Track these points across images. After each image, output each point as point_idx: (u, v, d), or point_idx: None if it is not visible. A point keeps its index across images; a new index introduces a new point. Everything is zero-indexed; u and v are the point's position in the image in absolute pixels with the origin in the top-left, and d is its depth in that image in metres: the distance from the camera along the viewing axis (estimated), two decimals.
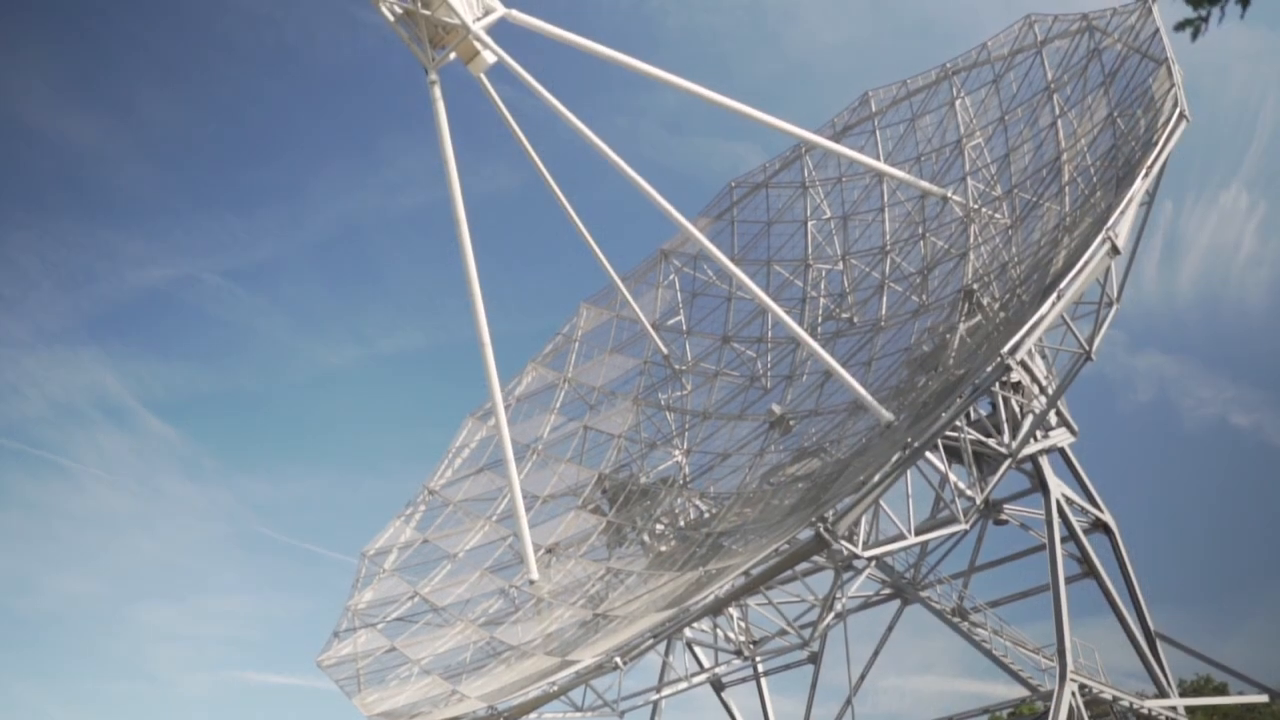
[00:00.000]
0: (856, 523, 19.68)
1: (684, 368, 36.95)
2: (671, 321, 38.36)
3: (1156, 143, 20.13)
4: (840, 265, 35.00)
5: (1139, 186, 19.83)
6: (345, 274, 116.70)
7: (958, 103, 32.79)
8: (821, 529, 18.42)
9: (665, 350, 36.85)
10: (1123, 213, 19.38)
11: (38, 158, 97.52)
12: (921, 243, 32.09)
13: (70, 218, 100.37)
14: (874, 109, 35.99)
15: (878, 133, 35.37)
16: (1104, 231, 18.89)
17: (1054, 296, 18.75)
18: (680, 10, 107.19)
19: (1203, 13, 3.58)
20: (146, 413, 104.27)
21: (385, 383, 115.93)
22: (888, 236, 33.58)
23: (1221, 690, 41.34)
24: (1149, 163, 19.89)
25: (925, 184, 31.18)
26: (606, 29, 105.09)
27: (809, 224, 36.39)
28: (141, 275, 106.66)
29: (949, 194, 30.77)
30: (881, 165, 31.66)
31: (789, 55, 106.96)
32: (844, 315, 33.78)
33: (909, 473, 20.32)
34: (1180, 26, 3.84)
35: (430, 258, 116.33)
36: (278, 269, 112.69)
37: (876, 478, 19.57)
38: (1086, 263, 18.91)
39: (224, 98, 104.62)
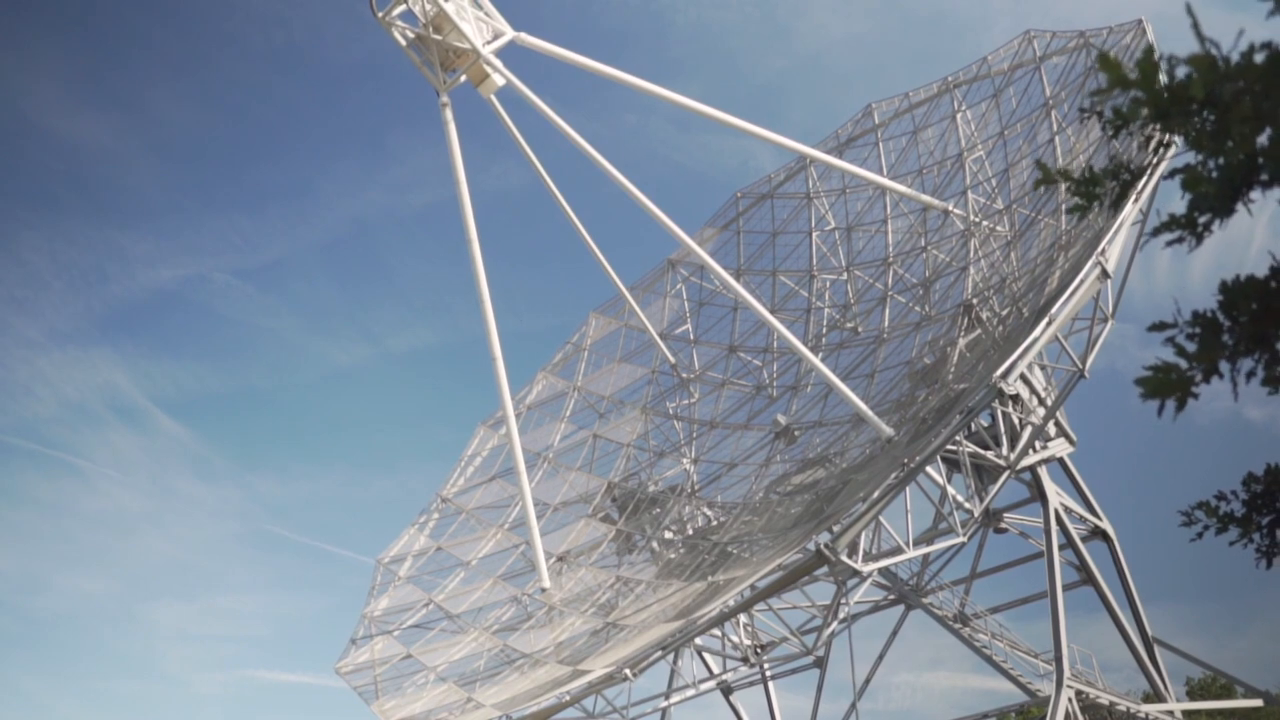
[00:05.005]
0: (857, 537, 20.41)
1: (691, 376, 37.66)
2: (679, 330, 39.09)
3: (1146, 166, 20.65)
4: (844, 276, 35.62)
5: (1129, 211, 20.42)
6: (355, 273, 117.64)
7: (959, 116, 33.33)
8: (822, 547, 19.10)
9: (673, 359, 37.55)
10: (1113, 237, 19.96)
11: (47, 157, 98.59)
12: (924, 255, 32.67)
13: (80, 218, 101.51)
14: (877, 121, 36.58)
15: (880, 145, 35.96)
16: (1095, 256, 19.50)
17: (1045, 321, 19.37)
18: (689, 6, 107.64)
19: (1084, 201, 4.31)
20: (158, 412, 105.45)
21: (395, 381, 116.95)
22: (891, 248, 34.16)
23: (1228, 690, 41.82)
24: (1139, 187, 20.45)
25: (926, 198, 31.76)
26: (616, 25, 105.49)
27: (813, 235, 37.01)
28: (152, 275, 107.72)
29: (950, 207, 31.34)
30: (883, 179, 32.25)
31: (798, 50, 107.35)
32: (849, 325, 34.42)
33: (909, 486, 21.03)
34: (1071, 210, 4.54)
35: (440, 256, 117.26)
36: (287, 268, 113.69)
37: (876, 494, 20.28)
38: (1077, 287, 19.51)
39: (233, 96, 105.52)
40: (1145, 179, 20.51)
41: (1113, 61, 3.94)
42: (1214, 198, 3.67)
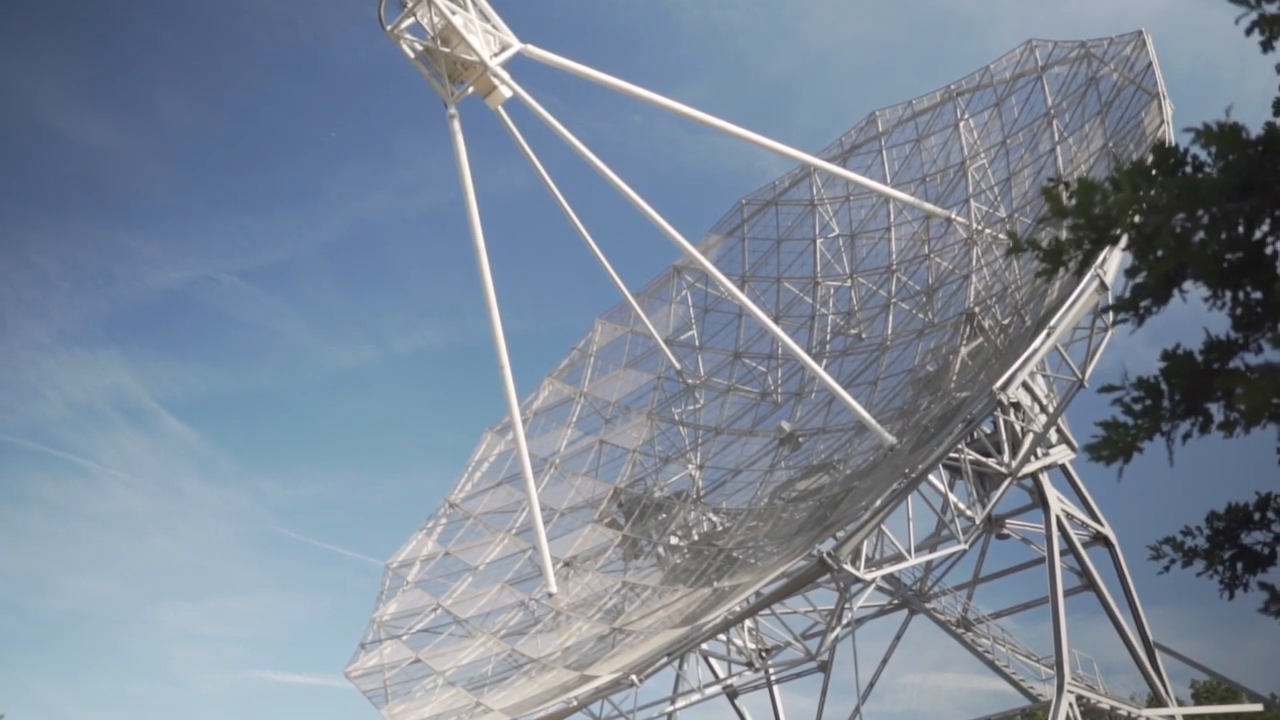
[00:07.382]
0: (860, 544, 20.72)
1: (696, 382, 37.97)
2: (684, 336, 39.41)
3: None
4: (849, 282, 35.91)
5: None
6: (361, 274, 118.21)
7: (961, 125, 33.60)
8: (825, 555, 19.43)
9: (678, 366, 37.88)
10: (1111, 250, 20.22)
11: (54, 159, 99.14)
12: (927, 263, 32.95)
13: (87, 219, 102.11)
14: (880, 129, 36.90)
15: (884, 152, 36.26)
16: (1093, 269, 19.78)
17: (1044, 333, 19.66)
18: (695, 7, 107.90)
19: (1050, 266, 4.68)
20: (165, 414, 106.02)
21: (401, 383, 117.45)
22: (894, 256, 34.46)
23: (1234, 695, 42.03)
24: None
25: (929, 206, 32.03)
26: (622, 26, 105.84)
27: (818, 241, 37.31)
28: (159, 276, 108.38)
29: (952, 215, 31.62)
30: (885, 188, 32.52)
31: (806, 50, 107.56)
32: (852, 332, 34.71)
33: (911, 493, 21.34)
34: (1039, 274, 4.91)
35: (446, 258, 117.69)
36: (294, 270, 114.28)
37: (878, 502, 20.59)
38: (1076, 299, 19.81)
39: (240, 98, 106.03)
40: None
41: (1054, 194, 4.53)
42: (1152, 288, 4.06)
